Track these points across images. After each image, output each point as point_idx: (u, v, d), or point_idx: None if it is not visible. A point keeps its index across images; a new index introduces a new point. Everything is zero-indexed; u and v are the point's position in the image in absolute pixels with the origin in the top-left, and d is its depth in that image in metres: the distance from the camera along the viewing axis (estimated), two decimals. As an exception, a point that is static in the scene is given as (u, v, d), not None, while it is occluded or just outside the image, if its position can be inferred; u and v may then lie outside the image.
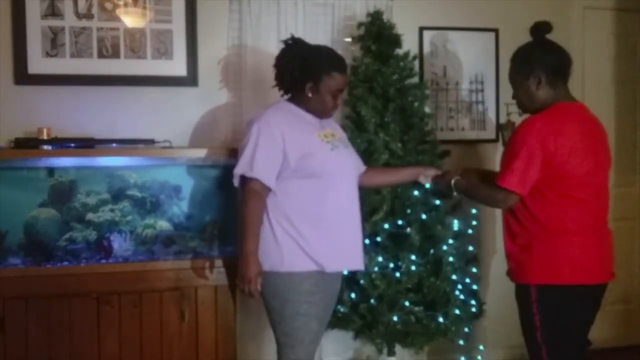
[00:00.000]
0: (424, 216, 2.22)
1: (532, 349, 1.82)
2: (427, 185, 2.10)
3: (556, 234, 1.74)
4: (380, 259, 2.20)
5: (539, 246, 1.76)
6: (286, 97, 1.95)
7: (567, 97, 1.84)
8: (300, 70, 1.86)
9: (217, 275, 2.21)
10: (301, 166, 1.81)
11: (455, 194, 1.99)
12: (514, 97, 1.94)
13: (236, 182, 1.86)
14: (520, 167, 1.72)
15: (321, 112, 1.91)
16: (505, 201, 1.78)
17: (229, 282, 2.20)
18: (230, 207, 2.34)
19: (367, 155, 2.28)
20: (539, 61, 1.83)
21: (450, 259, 2.22)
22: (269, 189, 1.81)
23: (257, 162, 1.78)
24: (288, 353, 1.86)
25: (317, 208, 1.83)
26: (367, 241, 2.26)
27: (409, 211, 2.25)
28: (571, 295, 1.74)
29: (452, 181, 1.96)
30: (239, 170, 1.82)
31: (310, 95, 1.87)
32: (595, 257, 1.78)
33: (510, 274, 1.87)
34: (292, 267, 1.80)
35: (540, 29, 1.89)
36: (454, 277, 2.23)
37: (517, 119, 2.81)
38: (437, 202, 2.36)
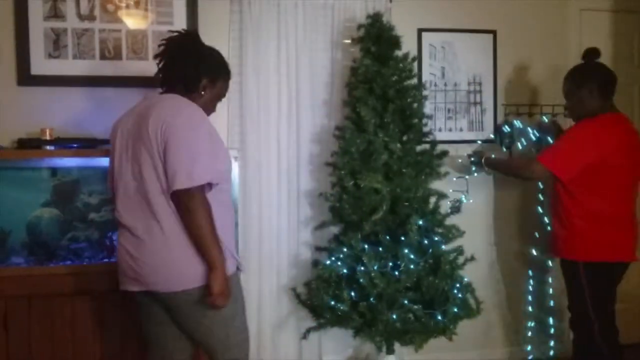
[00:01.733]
0: (421, 220, 2.24)
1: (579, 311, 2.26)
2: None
3: (602, 220, 2.16)
4: (379, 258, 2.22)
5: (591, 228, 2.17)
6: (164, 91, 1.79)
7: (613, 109, 2.27)
8: (203, 65, 1.76)
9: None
10: (227, 168, 1.79)
11: (486, 169, 2.47)
12: (567, 107, 2.38)
13: (181, 186, 1.59)
14: (567, 154, 2.15)
15: (206, 112, 1.78)
16: (538, 174, 2.21)
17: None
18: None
19: (367, 156, 2.30)
20: (592, 76, 2.26)
21: (449, 258, 2.23)
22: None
23: (214, 167, 1.68)
24: (235, 353, 1.79)
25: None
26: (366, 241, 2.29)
27: (408, 211, 2.27)
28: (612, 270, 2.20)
29: (484, 158, 2.46)
30: (201, 176, 1.61)
31: (202, 92, 1.78)
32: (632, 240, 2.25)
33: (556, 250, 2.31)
34: (228, 270, 1.68)
35: (591, 54, 2.35)
36: (452, 275, 2.25)
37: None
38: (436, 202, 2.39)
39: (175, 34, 1.83)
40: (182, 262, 1.65)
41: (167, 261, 1.65)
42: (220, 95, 1.88)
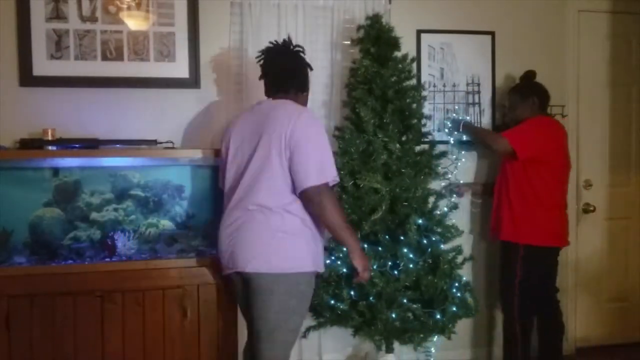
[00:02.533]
0: (420, 219, 2.25)
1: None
2: None
3: (544, 207, 2.43)
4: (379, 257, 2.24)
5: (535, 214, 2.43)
6: (275, 96, 1.96)
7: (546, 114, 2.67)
8: (305, 72, 2.01)
9: (220, 273, 2.24)
10: None
11: (461, 130, 2.64)
12: (511, 117, 2.64)
13: (312, 184, 1.78)
14: (528, 136, 2.44)
15: None
16: (502, 147, 2.45)
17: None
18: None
19: (366, 156, 2.31)
20: (535, 90, 2.59)
21: (448, 257, 2.25)
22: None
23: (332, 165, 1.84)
24: (287, 349, 1.90)
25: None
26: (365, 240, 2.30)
27: (407, 210, 2.28)
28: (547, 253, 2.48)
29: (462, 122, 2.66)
30: (331, 174, 1.81)
31: (305, 94, 2.02)
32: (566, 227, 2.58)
33: (499, 232, 2.49)
34: (317, 267, 1.89)
35: (531, 75, 2.66)
36: (451, 275, 2.26)
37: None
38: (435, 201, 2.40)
39: (274, 44, 2.02)
40: (293, 245, 1.84)
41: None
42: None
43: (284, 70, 1.97)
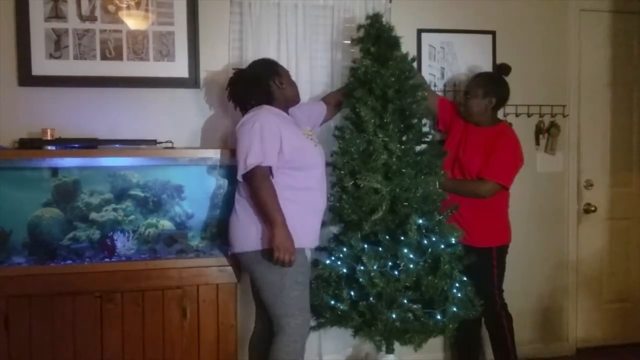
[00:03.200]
0: (421, 219, 2.24)
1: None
2: None
3: (503, 211, 2.59)
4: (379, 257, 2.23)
5: (497, 219, 2.57)
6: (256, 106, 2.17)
7: (499, 119, 2.65)
8: (259, 76, 2.18)
9: (219, 273, 2.24)
10: (293, 158, 2.06)
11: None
12: (466, 104, 2.57)
13: (242, 172, 2.03)
14: (509, 166, 2.49)
15: (295, 96, 2.24)
16: (492, 191, 2.48)
17: (237, 278, 2.27)
18: (230, 206, 2.36)
19: (367, 156, 2.30)
20: (498, 92, 2.54)
21: (448, 257, 2.23)
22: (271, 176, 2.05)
23: (267, 152, 2.01)
24: (290, 322, 2.02)
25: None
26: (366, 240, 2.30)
27: (407, 211, 2.28)
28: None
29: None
30: (253, 160, 1.99)
31: (281, 85, 2.18)
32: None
33: (474, 240, 2.50)
34: (265, 245, 2.03)
35: (503, 70, 2.61)
36: (451, 275, 2.25)
37: (513, 120, 2.86)
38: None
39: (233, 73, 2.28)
40: (262, 224, 2.05)
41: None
42: (288, 76, 2.30)
43: (241, 96, 2.22)
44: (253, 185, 2.01)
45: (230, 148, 2.46)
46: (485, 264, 2.52)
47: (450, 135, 2.65)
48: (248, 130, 2.03)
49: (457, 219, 2.47)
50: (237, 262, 2.21)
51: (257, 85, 2.17)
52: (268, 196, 1.98)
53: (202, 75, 2.60)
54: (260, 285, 2.09)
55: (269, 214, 1.98)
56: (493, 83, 2.54)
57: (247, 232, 2.06)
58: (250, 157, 1.99)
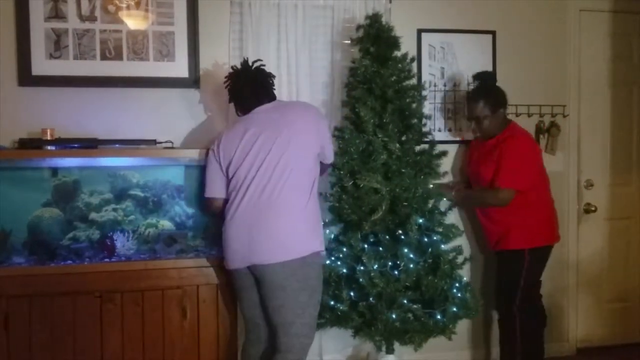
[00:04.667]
0: (421, 219, 2.24)
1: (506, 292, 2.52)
2: None
3: (539, 208, 2.49)
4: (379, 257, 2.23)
5: (530, 219, 2.46)
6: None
7: (508, 120, 2.60)
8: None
9: (219, 273, 2.24)
10: None
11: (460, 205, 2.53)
12: (480, 129, 2.54)
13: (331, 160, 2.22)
14: (523, 169, 2.42)
15: None
16: (508, 199, 2.41)
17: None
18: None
19: (366, 156, 2.30)
20: (501, 100, 2.53)
21: (448, 257, 2.24)
22: None
23: None
24: (302, 341, 2.01)
25: None
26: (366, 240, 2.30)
27: (407, 210, 2.28)
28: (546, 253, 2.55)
29: (452, 193, 2.55)
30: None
31: None
32: (555, 223, 2.61)
33: (506, 243, 2.47)
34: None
35: (488, 77, 2.61)
36: (451, 275, 2.25)
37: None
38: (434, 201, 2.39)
39: (235, 69, 2.20)
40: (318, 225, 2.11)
41: None
42: None
43: (259, 84, 2.15)
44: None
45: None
46: (515, 265, 2.47)
47: (470, 161, 2.69)
48: (324, 120, 2.16)
49: (487, 224, 2.50)
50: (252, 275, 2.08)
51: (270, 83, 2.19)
52: None
53: (202, 75, 2.59)
54: (285, 302, 1.99)
55: None
56: (492, 95, 2.52)
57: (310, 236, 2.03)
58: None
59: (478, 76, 2.61)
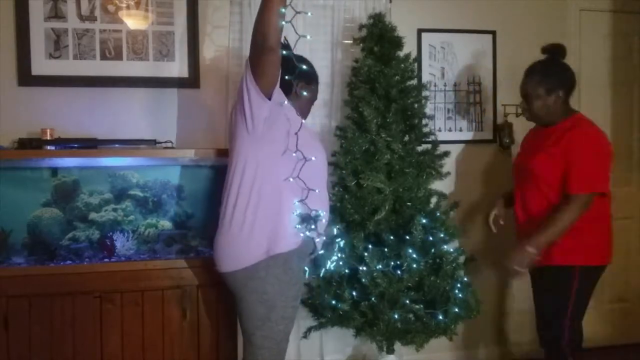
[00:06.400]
0: (424, 219, 2.24)
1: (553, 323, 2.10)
2: None
3: (598, 221, 2.06)
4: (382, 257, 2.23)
5: (587, 231, 2.04)
6: None
7: (573, 110, 2.17)
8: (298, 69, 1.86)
9: (219, 274, 2.23)
10: None
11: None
12: (530, 109, 2.16)
13: None
14: (598, 170, 2.02)
15: (303, 115, 1.94)
16: (588, 204, 2.00)
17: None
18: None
19: (369, 155, 2.30)
20: (561, 80, 2.11)
21: (450, 257, 2.23)
22: None
23: None
24: (264, 354, 1.83)
25: None
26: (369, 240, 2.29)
27: (410, 211, 2.27)
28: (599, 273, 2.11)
29: (534, 252, 2.02)
30: None
31: (297, 94, 1.91)
32: (611, 240, 2.14)
33: (551, 257, 2.07)
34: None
35: (559, 52, 2.18)
36: (453, 275, 2.25)
37: (514, 120, 2.85)
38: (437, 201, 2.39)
39: None
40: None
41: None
42: (314, 98, 2.02)
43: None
44: None
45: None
46: (562, 285, 2.07)
47: (520, 152, 2.30)
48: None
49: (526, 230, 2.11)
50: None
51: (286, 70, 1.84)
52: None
53: (202, 75, 2.59)
54: (242, 312, 1.84)
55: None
56: (553, 74, 2.12)
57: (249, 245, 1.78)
58: None
59: (546, 49, 2.21)
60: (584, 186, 1.98)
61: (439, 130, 2.83)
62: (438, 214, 2.28)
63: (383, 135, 2.26)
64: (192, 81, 2.56)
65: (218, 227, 1.85)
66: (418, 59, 2.76)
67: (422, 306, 2.20)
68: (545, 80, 2.10)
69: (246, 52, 2.56)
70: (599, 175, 2.01)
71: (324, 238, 1.92)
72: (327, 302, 2.25)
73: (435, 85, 2.84)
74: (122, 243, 2.28)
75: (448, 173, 2.46)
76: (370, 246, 2.23)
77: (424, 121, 2.42)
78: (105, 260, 2.23)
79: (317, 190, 1.80)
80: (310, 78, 1.97)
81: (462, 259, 2.35)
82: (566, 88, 2.11)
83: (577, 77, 2.98)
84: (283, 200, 1.76)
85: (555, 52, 2.18)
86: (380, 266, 2.19)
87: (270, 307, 1.79)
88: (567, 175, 2.01)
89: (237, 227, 1.77)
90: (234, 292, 1.86)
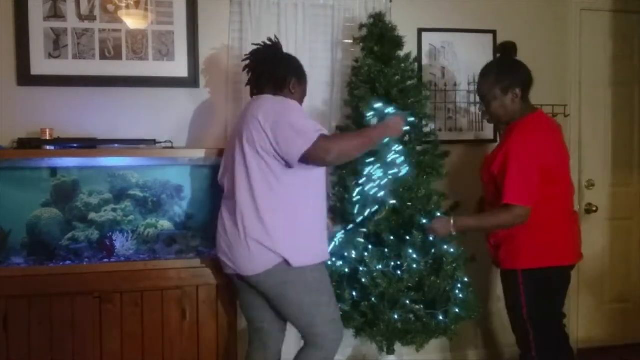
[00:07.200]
0: (424, 219, 2.23)
1: (518, 325, 2.09)
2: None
3: (539, 224, 1.99)
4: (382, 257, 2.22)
5: (526, 235, 2.01)
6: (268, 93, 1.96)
7: (532, 108, 2.13)
8: (290, 66, 2.01)
9: (218, 274, 2.23)
10: None
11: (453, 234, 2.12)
12: (487, 110, 2.14)
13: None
14: (526, 180, 1.94)
15: None
16: (523, 216, 1.96)
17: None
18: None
19: (369, 156, 2.29)
20: (516, 77, 2.07)
21: (451, 258, 2.22)
22: None
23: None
24: (332, 336, 1.92)
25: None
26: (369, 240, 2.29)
27: (410, 211, 2.26)
28: (552, 276, 2.02)
29: (452, 229, 2.09)
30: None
31: (292, 91, 1.99)
32: (570, 241, 2.08)
33: (496, 261, 2.16)
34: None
35: (508, 49, 2.15)
36: (454, 276, 2.24)
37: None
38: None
39: (260, 45, 2.04)
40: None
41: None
42: (304, 94, 2.08)
43: (260, 71, 2.00)
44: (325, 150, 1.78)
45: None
46: (512, 290, 2.06)
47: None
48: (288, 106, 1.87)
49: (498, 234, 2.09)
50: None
51: (283, 68, 1.98)
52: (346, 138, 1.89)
53: (202, 74, 2.58)
54: (288, 309, 1.91)
55: (366, 138, 1.89)
56: (507, 73, 2.07)
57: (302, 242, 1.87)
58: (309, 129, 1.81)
59: (498, 48, 2.19)
60: (511, 196, 1.94)
61: (439, 130, 2.83)
62: (438, 214, 2.27)
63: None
64: (191, 81, 2.56)
65: (236, 233, 1.86)
66: (418, 59, 2.76)
67: (422, 306, 2.20)
68: (499, 80, 2.05)
69: (246, 51, 2.56)
70: (523, 187, 1.93)
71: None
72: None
73: (435, 85, 2.83)
74: (121, 243, 2.27)
75: (448, 173, 2.45)
76: (370, 246, 2.23)
77: (424, 121, 2.41)
78: (105, 260, 2.23)
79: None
80: (303, 76, 2.05)
81: (462, 259, 2.34)
82: (522, 85, 2.05)
83: (577, 77, 3.02)
84: (310, 200, 1.89)
85: (507, 50, 2.14)
86: (380, 266, 2.18)
87: (317, 292, 1.88)
88: (502, 181, 1.97)
89: (273, 231, 1.82)
90: (269, 292, 1.89)
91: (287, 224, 1.84)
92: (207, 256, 2.26)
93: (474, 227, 2.13)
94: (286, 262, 1.83)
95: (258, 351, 2.06)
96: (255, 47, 2.05)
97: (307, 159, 1.78)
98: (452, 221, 2.09)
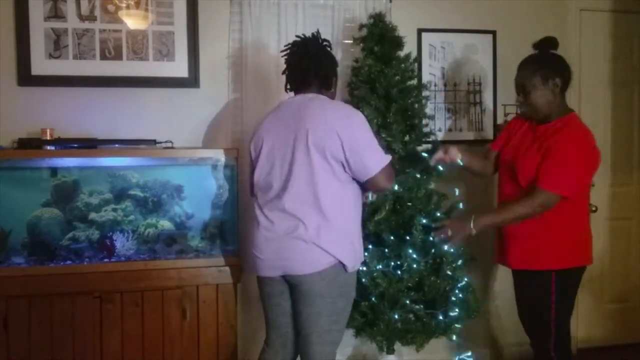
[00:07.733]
0: (424, 219, 2.24)
1: (539, 325, 2.06)
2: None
3: (570, 223, 2.01)
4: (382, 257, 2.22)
5: (556, 234, 2.00)
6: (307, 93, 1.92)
7: (569, 108, 2.10)
8: (335, 64, 1.99)
9: (219, 274, 2.23)
10: None
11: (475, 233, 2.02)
12: (525, 101, 2.05)
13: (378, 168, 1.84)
14: (574, 173, 1.93)
15: None
16: (553, 203, 1.93)
17: (237, 279, 2.25)
18: (231, 206, 2.36)
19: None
20: (557, 68, 2.02)
21: (451, 258, 2.23)
22: None
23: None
24: (335, 344, 1.92)
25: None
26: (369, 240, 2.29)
27: (411, 211, 2.27)
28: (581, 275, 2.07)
29: (472, 231, 2.00)
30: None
31: (333, 90, 2.01)
32: (591, 240, 2.15)
33: (509, 261, 2.11)
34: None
35: (550, 44, 2.08)
36: (454, 276, 2.24)
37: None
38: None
39: (301, 38, 1.96)
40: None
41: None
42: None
43: (307, 66, 1.91)
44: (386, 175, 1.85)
45: (230, 148, 2.45)
46: (543, 291, 2.01)
47: (508, 145, 2.16)
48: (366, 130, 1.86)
49: (506, 237, 2.07)
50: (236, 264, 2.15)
51: (331, 66, 1.96)
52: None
53: (202, 74, 2.59)
54: (323, 310, 1.84)
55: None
56: (548, 62, 2.02)
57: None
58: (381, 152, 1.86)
59: (537, 43, 2.10)
60: (551, 184, 1.90)
61: (439, 130, 2.83)
62: (438, 214, 2.27)
63: (383, 135, 2.26)
64: (192, 81, 2.56)
65: (294, 233, 1.80)
66: (418, 59, 2.76)
67: (422, 306, 2.20)
68: (540, 68, 1.99)
69: (246, 51, 2.57)
70: (570, 179, 1.91)
71: None
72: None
73: (435, 85, 2.84)
74: (122, 243, 2.28)
75: (448, 173, 2.45)
76: (370, 246, 2.23)
77: (424, 121, 2.42)
78: (105, 260, 2.23)
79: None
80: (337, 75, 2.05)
81: (462, 259, 2.34)
82: (562, 77, 2.00)
83: (577, 77, 3.01)
84: (359, 207, 1.93)
85: (546, 45, 2.08)
86: (380, 266, 2.19)
87: (349, 299, 1.91)
88: (540, 167, 1.93)
89: (335, 233, 1.82)
90: (311, 291, 1.82)
91: (346, 228, 1.84)
92: (207, 256, 2.27)
93: (497, 222, 2.03)
94: (341, 264, 1.82)
95: (278, 352, 2.00)
96: (297, 39, 1.96)
97: (368, 181, 1.84)
98: (471, 223, 1.98)
